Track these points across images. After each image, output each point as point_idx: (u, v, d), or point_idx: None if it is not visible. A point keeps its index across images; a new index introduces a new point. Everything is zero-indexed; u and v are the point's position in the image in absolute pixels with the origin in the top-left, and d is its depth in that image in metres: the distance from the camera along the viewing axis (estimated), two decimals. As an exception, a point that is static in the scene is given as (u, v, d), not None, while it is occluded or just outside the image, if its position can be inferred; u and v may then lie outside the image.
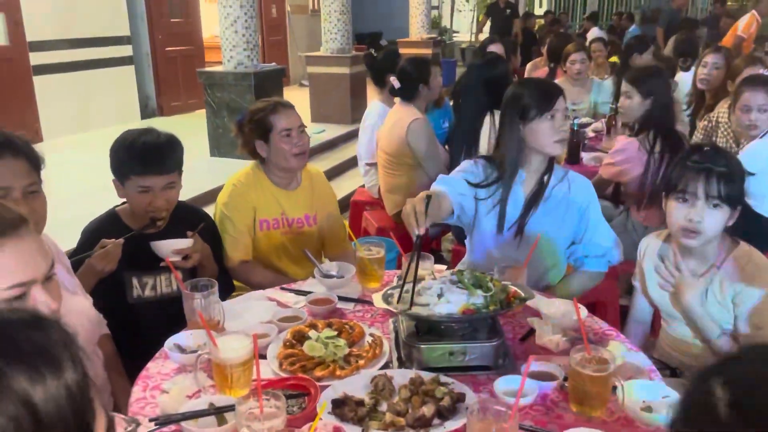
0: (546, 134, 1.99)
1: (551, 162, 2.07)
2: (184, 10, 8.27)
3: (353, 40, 8.03)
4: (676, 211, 1.70)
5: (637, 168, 2.93)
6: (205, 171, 5.36)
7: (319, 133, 6.70)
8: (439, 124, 4.41)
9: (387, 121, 3.60)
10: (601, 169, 3.14)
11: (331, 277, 2.04)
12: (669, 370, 1.85)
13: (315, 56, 7.68)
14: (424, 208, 1.66)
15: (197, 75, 5.85)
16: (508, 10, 10.77)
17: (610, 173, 3.07)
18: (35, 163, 1.63)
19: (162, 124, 7.54)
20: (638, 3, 19.06)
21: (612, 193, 3.26)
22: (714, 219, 1.67)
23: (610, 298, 2.80)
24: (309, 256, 2.12)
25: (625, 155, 2.97)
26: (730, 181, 1.65)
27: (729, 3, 18.15)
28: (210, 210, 2.41)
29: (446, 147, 4.14)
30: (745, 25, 7.18)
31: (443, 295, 1.56)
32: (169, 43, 8.07)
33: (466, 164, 2.18)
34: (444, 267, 2.16)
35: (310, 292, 1.95)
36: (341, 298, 1.92)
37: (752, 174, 2.02)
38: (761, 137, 3.03)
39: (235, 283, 2.36)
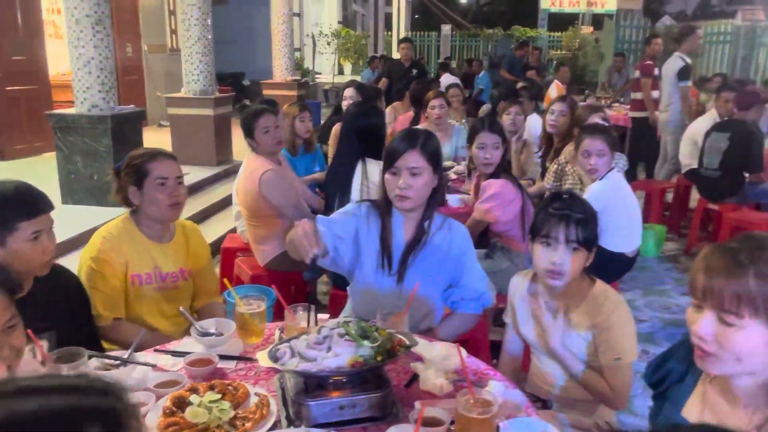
0: (388, 186, 2.09)
1: (430, 208, 2.13)
2: (28, 48, 7.69)
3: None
4: (541, 254, 1.85)
5: (517, 204, 3.15)
6: (57, 220, 4.95)
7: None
8: (309, 168, 4.45)
9: (241, 174, 3.51)
10: (482, 215, 3.17)
11: (209, 335, 1.96)
12: (540, 402, 1.97)
13: (176, 97, 7.44)
14: (314, 229, 1.76)
15: (46, 117, 5.44)
16: (415, 71, 8.34)
17: (494, 216, 3.14)
18: None
19: (5, 169, 6.95)
20: (485, 50, 20.65)
21: (481, 235, 3.38)
22: (574, 261, 1.83)
23: (481, 333, 2.94)
24: (185, 314, 2.02)
25: (504, 195, 3.13)
26: (586, 226, 1.82)
27: (563, 52, 20.26)
28: (64, 262, 2.20)
29: (318, 190, 4.18)
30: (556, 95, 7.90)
31: (331, 348, 1.57)
32: (11, 82, 7.44)
33: (350, 206, 2.24)
34: (327, 316, 2.16)
35: (187, 353, 1.86)
36: (222, 357, 1.85)
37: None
38: (600, 179, 3.38)
39: (105, 344, 2.20)
